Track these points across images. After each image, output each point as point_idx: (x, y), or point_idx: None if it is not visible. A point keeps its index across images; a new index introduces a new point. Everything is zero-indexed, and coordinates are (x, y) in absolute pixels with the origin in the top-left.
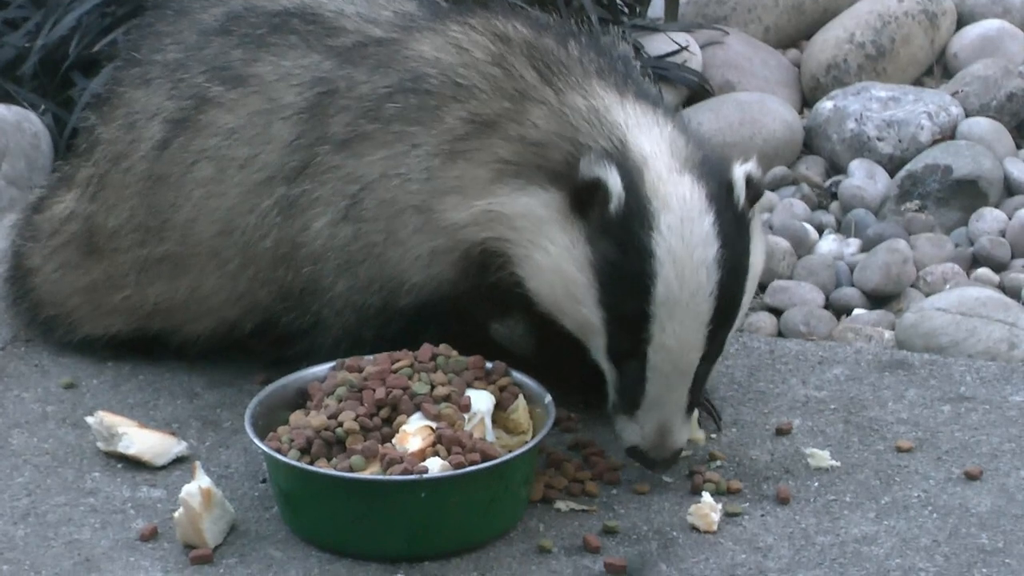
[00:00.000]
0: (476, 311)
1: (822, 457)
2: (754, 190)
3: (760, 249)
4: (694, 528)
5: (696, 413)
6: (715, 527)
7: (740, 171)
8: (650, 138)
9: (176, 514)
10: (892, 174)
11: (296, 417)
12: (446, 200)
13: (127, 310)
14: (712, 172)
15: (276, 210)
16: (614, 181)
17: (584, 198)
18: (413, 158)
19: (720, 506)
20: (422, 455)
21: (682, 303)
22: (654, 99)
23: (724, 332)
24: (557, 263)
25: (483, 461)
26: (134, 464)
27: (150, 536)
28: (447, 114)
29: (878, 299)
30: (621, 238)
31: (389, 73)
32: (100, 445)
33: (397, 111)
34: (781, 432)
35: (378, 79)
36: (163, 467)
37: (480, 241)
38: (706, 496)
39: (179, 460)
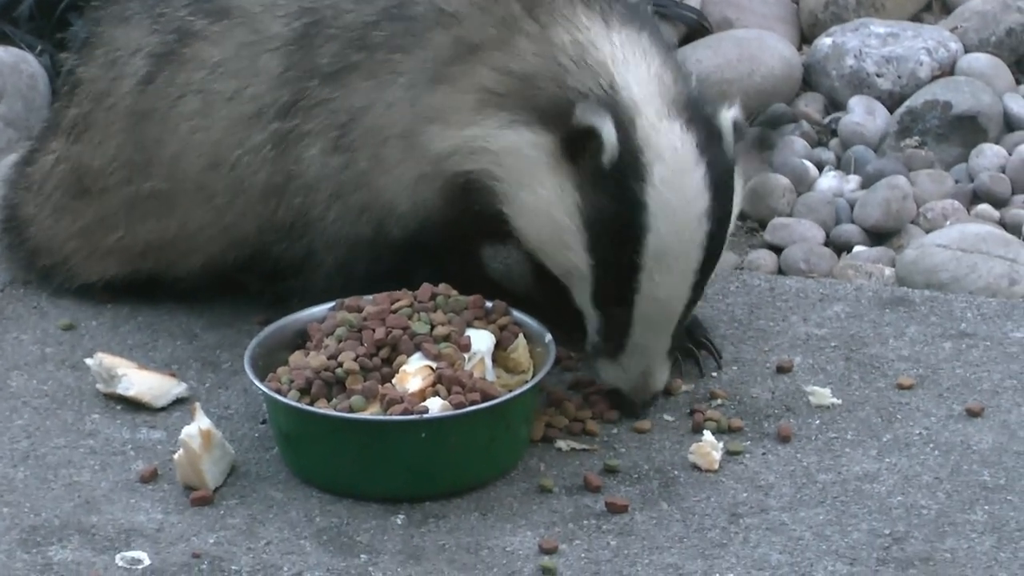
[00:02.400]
0: (468, 243)
1: (823, 395)
2: (738, 134)
3: (740, 192)
4: (695, 466)
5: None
6: (716, 465)
7: (728, 117)
8: (639, 79)
9: (176, 455)
10: (891, 110)
11: (296, 358)
12: (430, 128)
13: (120, 251)
14: (701, 118)
15: (269, 144)
16: (608, 131)
17: (576, 145)
18: (397, 86)
19: (721, 444)
20: (422, 395)
21: (673, 255)
22: (641, 21)
23: (705, 279)
24: (546, 207)
25: (483, 401)
26: (133, 405)
27: (150, 478)
28: (431, 40)
29: (878, 236)
30: (613, 189)
31: (374, 1)
32: (99, 387)
33: (382, 39)
34: (782, 370)
35: (364, 7)
36: (163, 408)
37: (465, 171)
38: (707, 434)
39: (179, 401)
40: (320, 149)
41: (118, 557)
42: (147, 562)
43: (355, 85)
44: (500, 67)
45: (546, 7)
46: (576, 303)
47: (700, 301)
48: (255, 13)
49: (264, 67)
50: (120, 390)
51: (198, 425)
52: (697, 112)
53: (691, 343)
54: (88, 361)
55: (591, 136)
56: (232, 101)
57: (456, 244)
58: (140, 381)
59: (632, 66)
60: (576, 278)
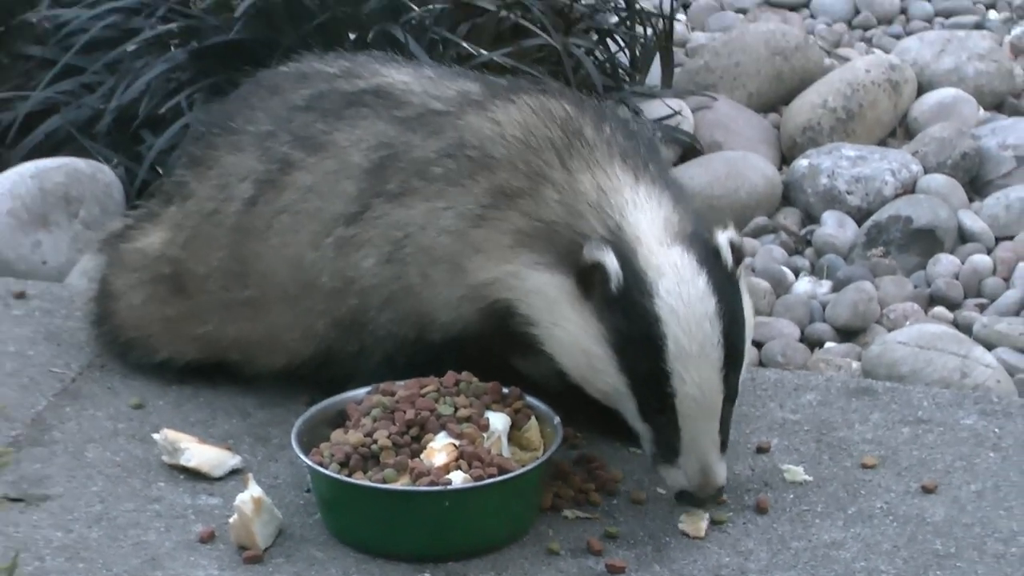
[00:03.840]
0: (502, 350)
1: (796, 472)
2: (737, 253)
3: (749, 305)
4: (684, 534)
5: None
6: (703, 533)
7: (724, 237)
8: (646, 217)
9: (231, 519)
10: (860, 223)
11: (336, 435)
12: (473, 259)
13: (206, 341)
14: (699, 240)
15: (333, 248)
16: (611, 262)
17: (588, 280)
18: (448, 216)
19: (707, 515)
20: (446, 469)
21: (694, 355)
22: (665, 180)
23: (735, 375)
24: (575, 340)
25: (500, 474)
26: (194, 475)
27: (208, 538)
28: (478, 181)
29: (847, 333)
30: (627, 309)
31: (439, 139)
32: (164, 458)
33: (440, 172)
34: (761, 450)
35: (429, 143)
36: (220, 478)
37: (502, 299)
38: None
39: (234, 472)
40: (376, 259)
41: None
42: None
43: (413, 206)
44: (530, 213)
45: (583, 158)
46: (627, 422)
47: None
48: (344, 147)
49: (343, 189)
50: (183, 461)
51: (250, 493)
52: (696, 237)
53: None
54: (155, 436)
55: (598, 269)
56: (314, 218)
57: (489, 351)
58: (200, 454)
59: (644, 208)
60: (619, 398)
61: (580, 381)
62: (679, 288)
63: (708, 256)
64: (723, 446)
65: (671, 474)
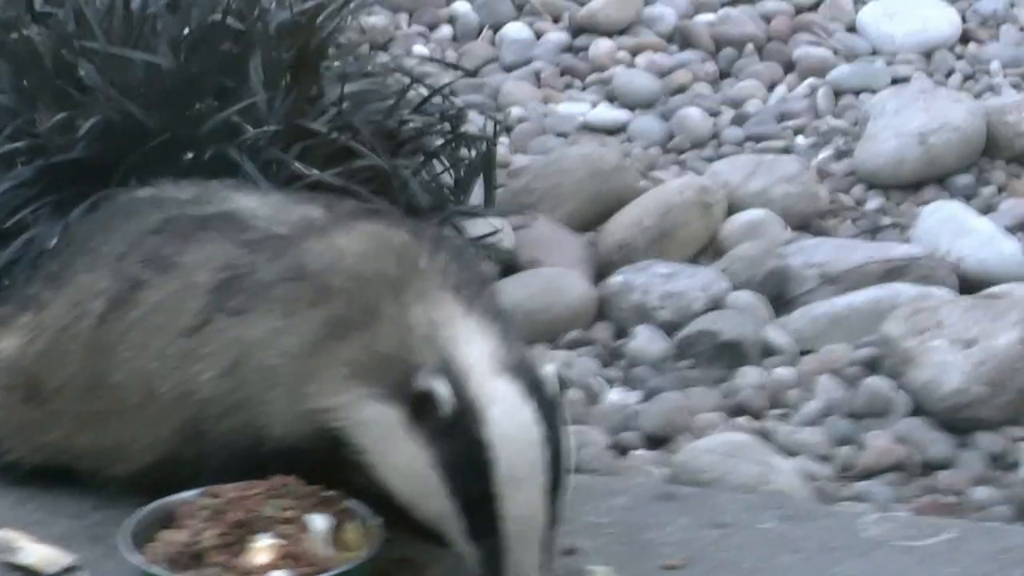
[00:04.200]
0: (332, 468)
1: (604, 572)
2: (560, 385)
3: (568, 430)
4: None
5: None
6: None
7: (549, 369)
8: (476, 348)
9: None
10: (670, 336)
11: (166, 534)
12: (309, 386)
13: (55, 449)
14: (525, 371)
15: (175, 359)
16: (442, 389)
17: (421, 408)
18: (287, 340)
19: None
20: (269, 568)
21: (522, 478)
22: (494, 311)
23: (559, 500)
24: (408, 467)
25: (321, 573)
26: (30, 573)
27: None
28: (316, 310)
29: (656, 441)
30: (458, 435)
31: (280, 262)
32: (2, 556)
33: (281, 295)
34: (569, 552)
35: (272, 267)
36: (55, 575)
37: (334, 428)
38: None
39: (68, 570)
40: (215, 372)
41: None
42: None
43: (254, 325)
44: (365, 345)
45: (416, 289)
46: (455, 547)
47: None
48: (191, 267)
49: (188, 306)
50: (19, 560)
51: None
52: (522, 367)
53: None
54: None
55: (430, 397)
56: (160, 332)
57: (319, 468)
58: (36, 552)
59: (474, 340)
60: (448, 521)
61: (409, 506)
62: (508, 415)
63: (534, 386)
64: (546, 565)
65: None
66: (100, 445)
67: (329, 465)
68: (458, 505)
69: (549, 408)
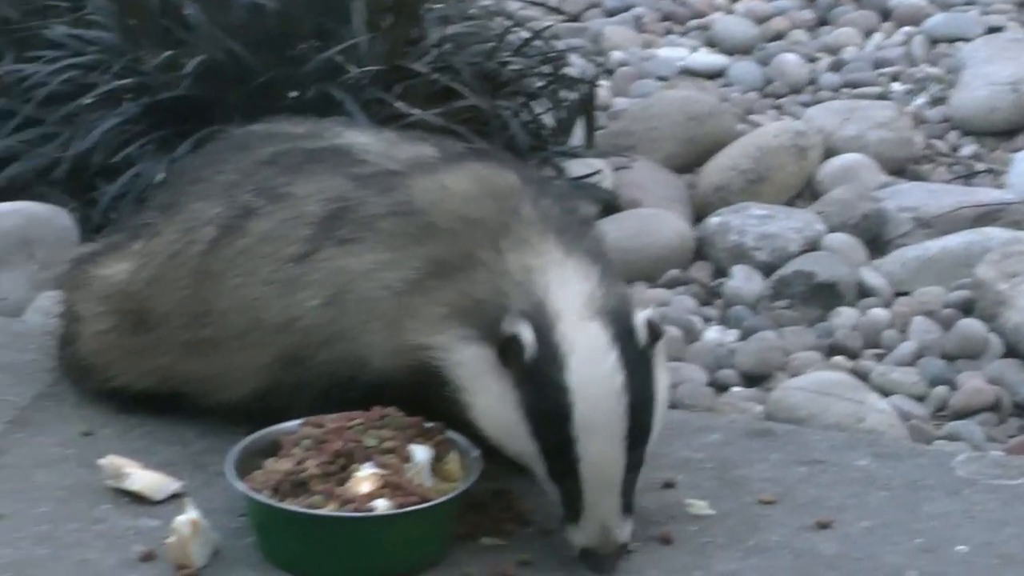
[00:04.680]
0: (428, 405)
1: (700, 506)
2: (654, 332)
3: (664, 378)
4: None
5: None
6: None
7: (642, 316)
8: (569, 293)
9: (169, 540)
10: (766, 277)
11: (269, 463)
12: (408, 322)
13: (162, 374)
14: (617, 317)
15: (281, 286)
16: (527, 335)
17: (507, 352)
18: (390, 273)
19: None
20: (371, 497)
21: (599, 426)
22: (595, 256)
23: (641, 447)
24: (495, 407)
25: (420, 503)
26: (137, 498)
27: (147, 558)
28: (420, 247)
29: (752, 379)
30: (539, 380)
31: (390, 196)
32: (109, 483)
33: (388, 228)
34: (667, 485)
35: (380, 200)
36: (160, 501)
37: (432, 365)
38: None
39: (174, 496)
40: (319, 301)
41: None
42: None
43: (360, 255)
44: (463, 290)
45: (516, 234)
46: (539, 481)
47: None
48: (301, 197)
49: (297, 235)
50: (126, 485)
51: (188, 515)
52: (615, 314)
53: None
54: (100, 461)
55: (515, 341)
56: (268, 260)
57: (417, 403)
58: (143, 478)
59: (566, 284)
60: (531, 461)
61: (497, 444)
62: (589, 363)
63: (623, 333)
64: (627, 508)
65: (574, 532)
66: (204, 372)
67: (424, 398)
68: (540, 447)
69: (637, 355)
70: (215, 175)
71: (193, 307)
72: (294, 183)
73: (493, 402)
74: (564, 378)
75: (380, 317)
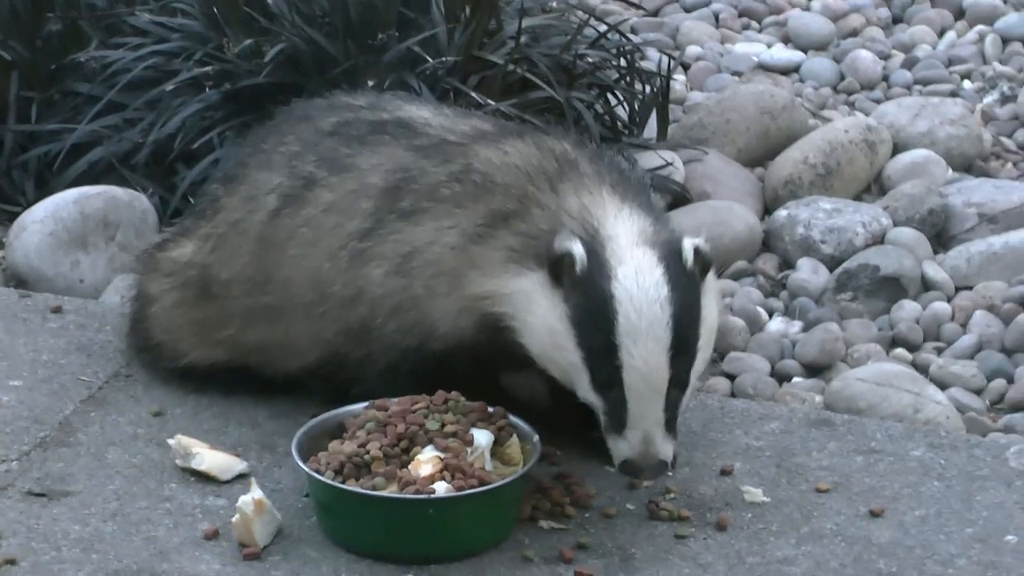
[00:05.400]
0: (493, 363)
1: (756, 494)
2: (703, 258)
3: (713, 306)
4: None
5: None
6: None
7: (689, 242)
8: (623, 225)
9: (234, 519)
10: (831, 270)
11: (333, 445)
12: (470, 274)
13: (229, 345)
14: (666, 245)
15: (347, 260)
16: (578, 249)
17: (558, 268)
18: (452, 234)
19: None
20: (431, 479)
21: (642, 332)
22: (649, 207)
23: (685, 361)
24: (543, 321)
25: (480, 486)
26: (204, 478)
27: (212, 536)
28: (478, 205)
29: (813, 370)
30: (588, 290)
31: (449, 165)
32: (178, 462)
33: (448, 195)
34: (724, 472)
35: (440, 169)
36: (227, 481)
37: (493, 312)
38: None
39: (240, 476)
40: (385, 271)
41: None
42: None
43: (422, 224)
44: (519, 232)
45: (573, 181)
46: (581, 398)
47: (690, 387)
48: (365, 169)
49: (360, 207)
50: (194, 465)
51: (253, 495)
52: (665, 243)
53: None
54: (170, 441)
55: (567, 255)
56: (332, 232)
57: (483, 363)
58: (211, 458)
59: (621, 219)
60: (575, 372)
61: (543, 360)
62: (636, 275)
63: (670, 256)
64: (670, 425)
65: (617, 444)
66: (268, 340)
67: (491, 360)
68: (585, 356)
69: (684, 276)
70: (277, 146)
71: (254, 274)
72: (357, 155)
73: (541, 317)
74: (611, 287)
75: (443, 276)
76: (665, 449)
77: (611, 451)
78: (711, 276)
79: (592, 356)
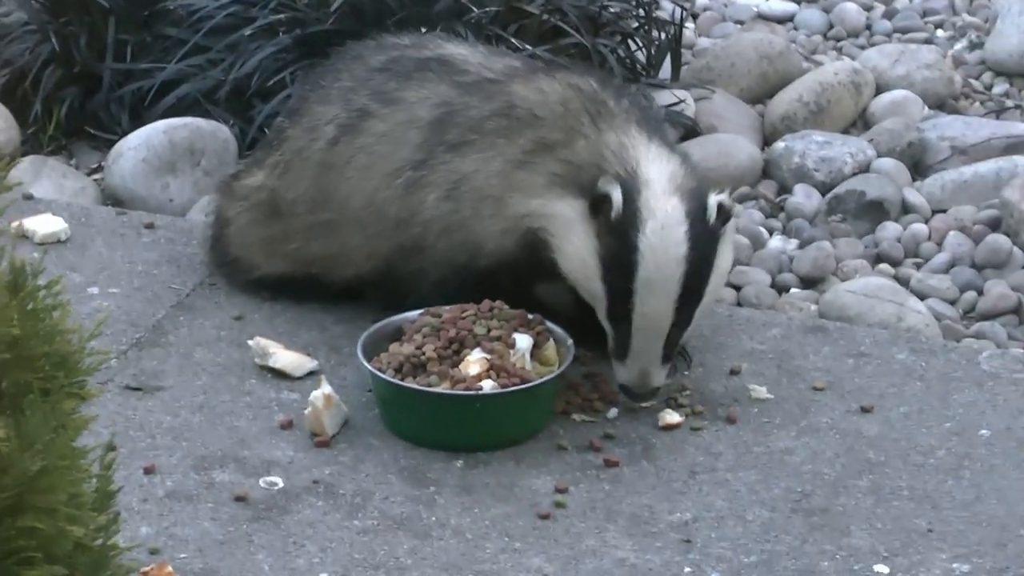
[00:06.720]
0: (530, 276)
1: (760, 391)
2: (725, 213)
3: (727, 253)
4: (665, 427)
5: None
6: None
7: (714, 198)
8: (656, 168)
9: (306, 411)
10: (823, 194)
11: (393, 347)
12: (514, 195)
13: (295, 257)
14: (694, 196)
15: (402, 187)
16: (616, 196)
17: (598, 206)
18: (496, 162)
19: (680, 416)
20: (479, 378)
21: (656, 284)
22: (671, 144)
23: (689, 309)
24: (578, 250)
25: (521, 384)
26: (279, 375)
27: (287, 426)
28: (522, 135)
29: (809, 282)
30: (619, 236)
31: (492, 101)
32: (256, 360)
33: (492, 128)
34: (733, 372)
35: (484, 105)
36: (299, 378)
37: (534, 229)
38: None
39: (311, 373)
40: (436, 196)
41: (261, 480)
42: (281, 484)
43: (468, 155)
44: (563, 159)
45: (607, 120)
46: (599, 320)
47: (690, 327)
48: (412, 103)
49: (410, 138)
50: (271, 363)
51: (322, 390)
52: (693, 192)
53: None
54: (249, 342)
55: (606, 199)
56: (385, 160)
57: (522, 276)
58: (285, 358)
59: (653, 161)
60: (597, 300)
61: (574, 282)
62: (661, 231)
63: (696, 210)
64: (666, 358)
65: (619, 369)
66: (328, 251)
67: (529, 273)
68: (606, 290)
69: (706, 231)
70: (333, 82)
71: (315, 194)
72: (405, 88)
73: (578, 246)
74: (638, 239)
75: (489, 199)
76: (659, 377)
77: (614, 371)
78: (730, 224)
79: (611, 292)
